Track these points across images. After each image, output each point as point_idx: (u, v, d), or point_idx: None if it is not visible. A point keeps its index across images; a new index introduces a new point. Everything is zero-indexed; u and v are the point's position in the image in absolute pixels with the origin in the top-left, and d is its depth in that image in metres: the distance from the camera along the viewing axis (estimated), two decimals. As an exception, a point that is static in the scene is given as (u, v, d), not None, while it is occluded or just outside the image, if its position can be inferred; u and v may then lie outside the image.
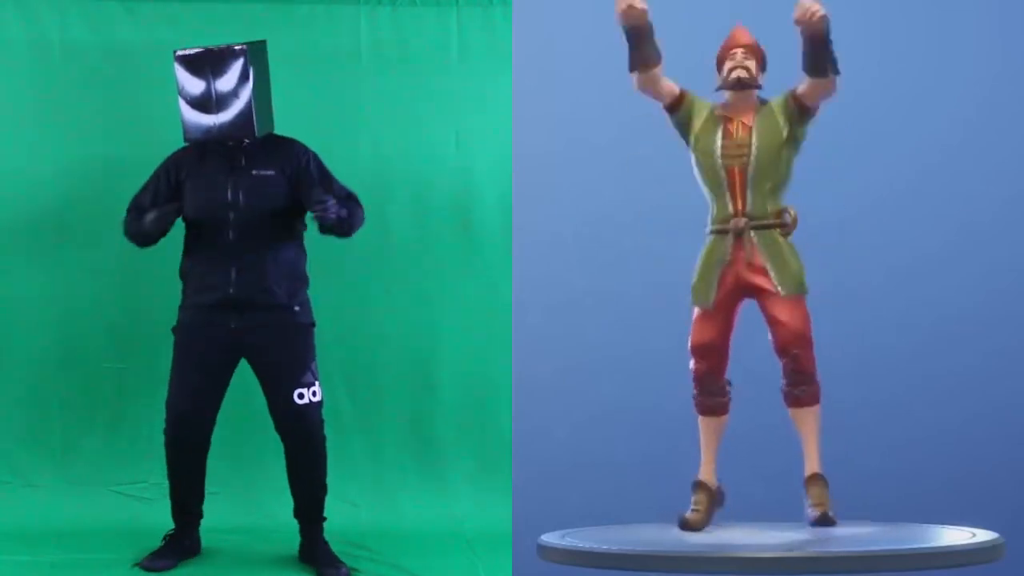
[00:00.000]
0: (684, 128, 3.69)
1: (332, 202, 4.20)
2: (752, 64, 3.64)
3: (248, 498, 4.88)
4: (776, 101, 3.64)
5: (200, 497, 4.49)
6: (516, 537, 4.41)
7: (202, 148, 4.37)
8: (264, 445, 4.59)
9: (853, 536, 3.45)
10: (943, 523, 3.57)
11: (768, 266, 3.59)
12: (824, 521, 3.49)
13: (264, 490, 4.82)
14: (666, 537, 3.53)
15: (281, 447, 4.45)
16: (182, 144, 4.40)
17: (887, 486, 4.26)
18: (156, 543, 4.45)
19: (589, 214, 4.70)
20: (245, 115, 4.27)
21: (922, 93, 4.58)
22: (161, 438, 4.48)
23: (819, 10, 3.50)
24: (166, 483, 4.78)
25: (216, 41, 4.48)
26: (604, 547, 3.34)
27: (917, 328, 4.53)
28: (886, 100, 4.54)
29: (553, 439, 4.64)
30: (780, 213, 3.62)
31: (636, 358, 4.53)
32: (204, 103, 4.29)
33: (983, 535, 3.38)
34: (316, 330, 4.45)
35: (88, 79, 4.91)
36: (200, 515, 4.52)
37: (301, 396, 4.33)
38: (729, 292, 3.64)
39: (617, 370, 4.62)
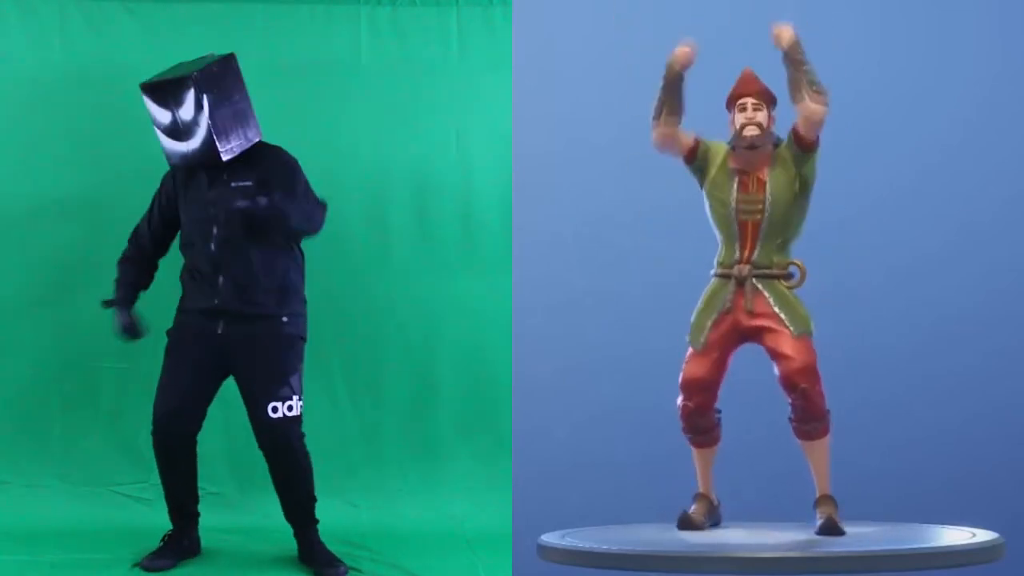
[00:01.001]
0: (701, 174, 3.69)
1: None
2: (763, 116, 3.62)
3: (247, 498, 4.87)
4: (785, 145, 3.62)
5: (195, 498, 4.49)
6: (516, 537, 4.41)
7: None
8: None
9: (853, 536, 3.45)
10: (943, 523, 3.57)
11: (775, 308, 3.58)
12: (830, 529, 3.48)
13: (263, 491, 4.79)
14: (666, 537, 3.53)
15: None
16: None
17: (887, 486, 4.26)
18: (156, 543, 4.45)
19: (589, 214, 4.70)
20: (207, 143, 4.26)
21: (922, 93, 4.58)
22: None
23: (785, 33, 3.52)
24: (164, 484, 4.80)
25: (215, 39, 4.48)
26: (604, 547, 3.34)
27: (917, 328, 4.53)
28: (886, 100, 4.53)
29: (553, 439, 4.64)
30: (786, 266, 3.62)
31: (636, 358, 4.52)
32: (174, 131, 4.31)
33: (983, 535, 3.38)
34: (316, 331, 4.45)
35: (88, 78, 4.91)
36: (197, 515, 4.51)
37: (275, 410, 4.28)
38: (725, 336, 3.63)
39: (617, 370, 4.61)
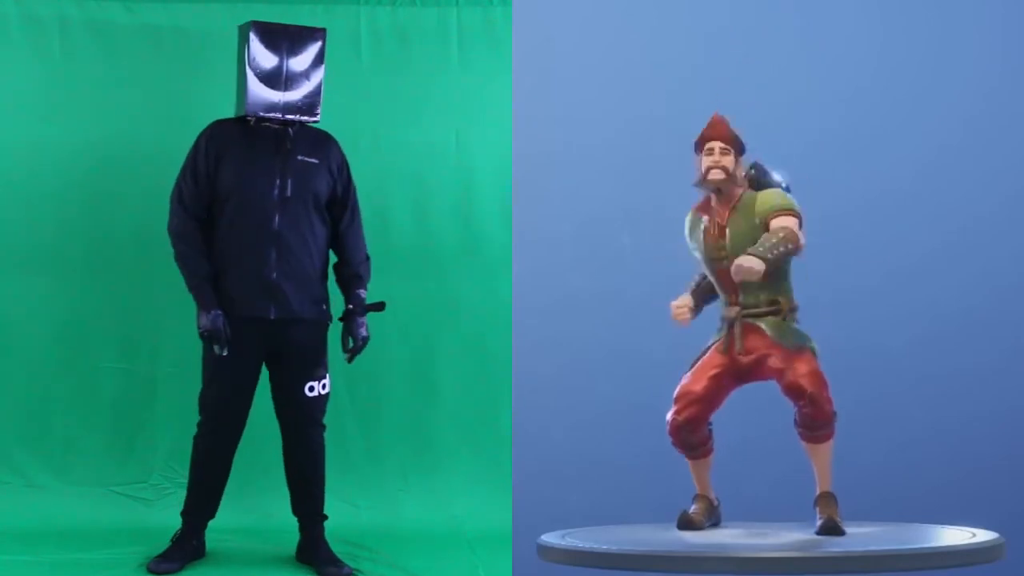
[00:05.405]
0: None
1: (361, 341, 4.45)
2: (729, 161, 3.59)
3: (248, 499, 4.87)
4: (760, 199, 3.58)
5: (221, 494, 4.45)
6: (516, 537, 4.42)
7: (242, 125, 4.35)
8: (265, 446, 4.59)
9: (853, 536, 3.45)
10: (943, 523, 3.57)
11: (769, 335, 3.54)
12: (831, 529, 3.47)
13: (265, 491, 4.81)
14: (666, 537, 3.53)
15: (281, 448, 4.45)
16: (188, 130, 4.38)
17: (887, 486, 4.26)
18: (156, 543, 4.44)
19: (589, 214, 4.70)
20: (313, 97, 4.34)
21: (922, 93, 4.58)
22: (164, 438, 4.50)
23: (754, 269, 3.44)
24: (167, 484, 4.81)
25: (215, 38, 4.48)
26: (604, 547, 3.34)
27: (917, 328, 4.53)
28: (886, 100, 4.53)
29: (553, 439, 4.64)
30: (773, 302, 3.58)
31: (636, 358, 4.52)
32: (273, 79, 4.31)
33: (983, 535, 3.38)
34: (316, 330, 4.47)
35: (88, 77, 4.91)
36: (213, 515, 4.47)
37: (311, 389, 4.38)
38: (724, 369, 3.60)
39: (617, 370, 4.61)
